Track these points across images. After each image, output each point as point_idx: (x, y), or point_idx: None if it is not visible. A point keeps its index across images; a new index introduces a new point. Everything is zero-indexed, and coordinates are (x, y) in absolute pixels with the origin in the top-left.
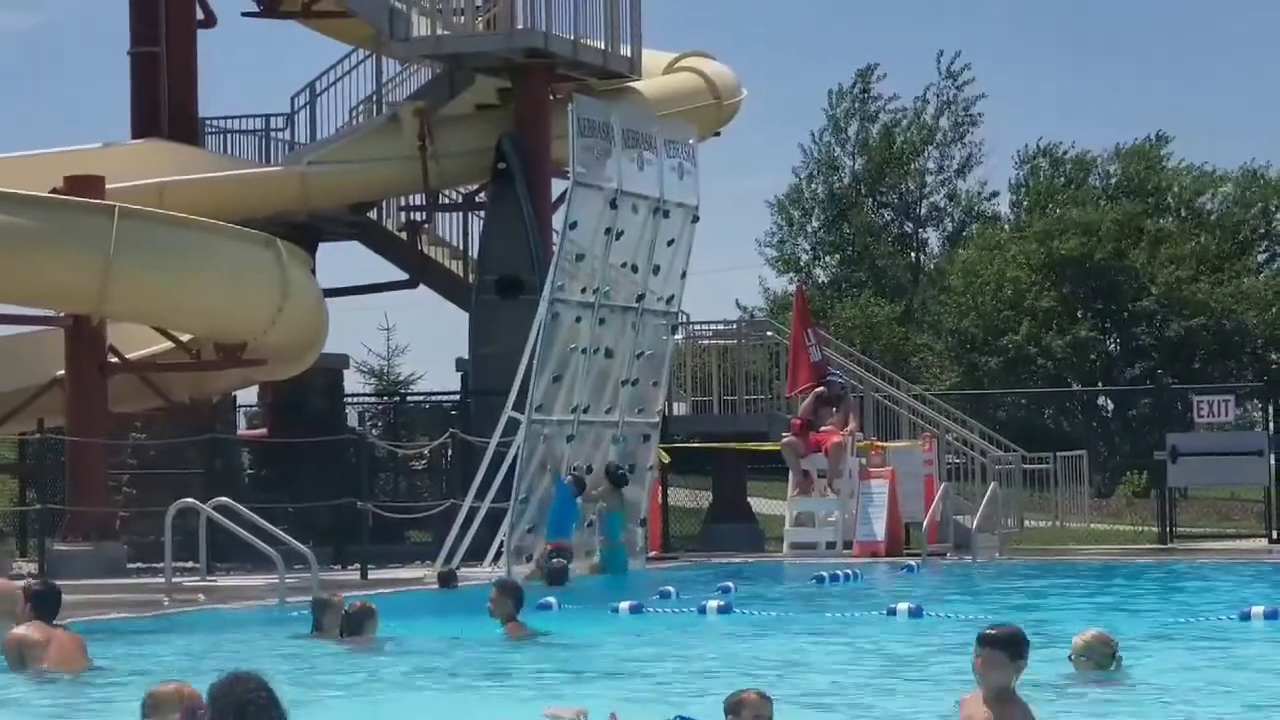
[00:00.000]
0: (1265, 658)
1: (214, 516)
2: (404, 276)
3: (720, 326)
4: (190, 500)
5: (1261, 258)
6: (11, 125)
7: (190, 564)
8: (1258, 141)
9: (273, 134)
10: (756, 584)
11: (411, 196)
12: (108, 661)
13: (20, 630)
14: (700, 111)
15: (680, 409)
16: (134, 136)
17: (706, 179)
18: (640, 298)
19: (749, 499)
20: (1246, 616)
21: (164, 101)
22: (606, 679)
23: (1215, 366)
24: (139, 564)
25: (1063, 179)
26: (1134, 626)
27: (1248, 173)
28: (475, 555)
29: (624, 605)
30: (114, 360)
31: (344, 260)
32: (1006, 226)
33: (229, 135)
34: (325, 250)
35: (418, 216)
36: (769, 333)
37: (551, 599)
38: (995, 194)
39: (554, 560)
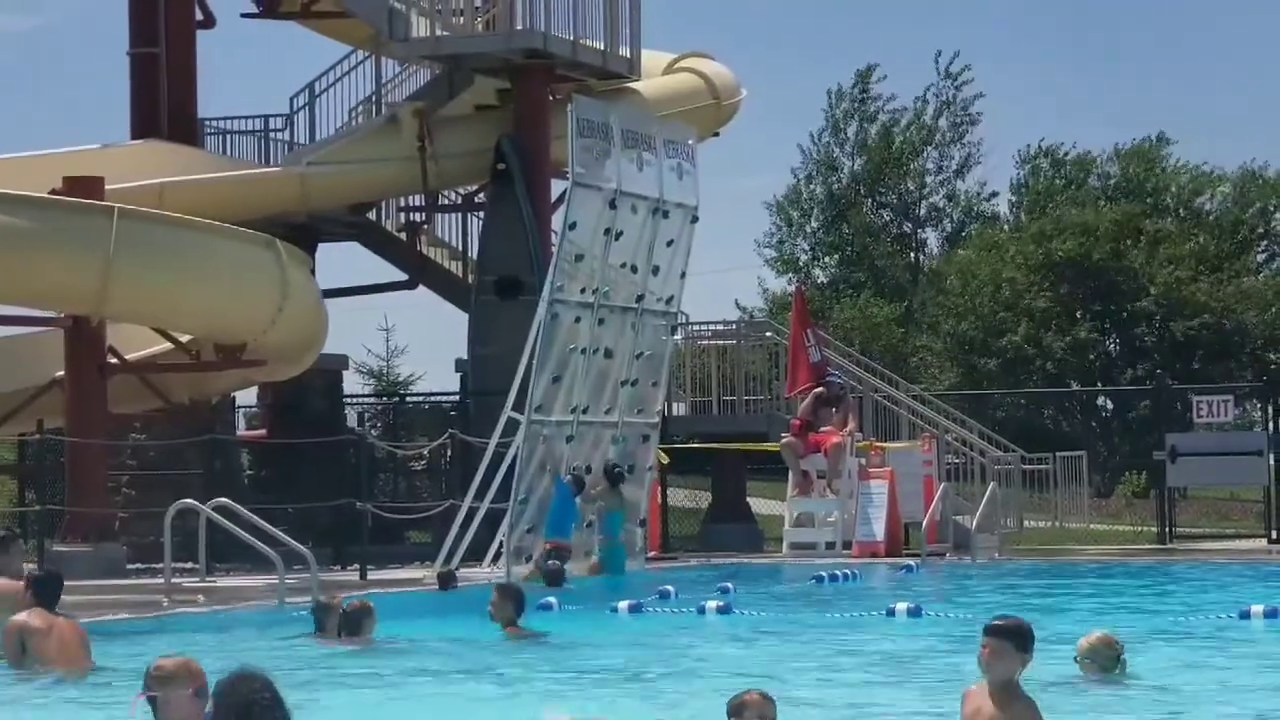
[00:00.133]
0: (1265, 657)
1: (213, 517)
2: (403, 277)
3: (719, 327)
4: (190, 501)
5: (1261, 257)
6: (11, 126)
7: (190, 565)
8: (1257, 141)
9: (272, 135)
10: (756, 584)
11: (411, 197)
12: (108, 662)
13: (21, 617)
14: (699, 112)
15: (679, 409)
16: (133, 137)
17: (705, 179)
18: (640, 298)
19: (748, 499)
20: (1246, 616)
21: (163, 102)
22: (606, 680)
23: (1215, 366)
24: (138, 565)
25: (1063, 180)
26: (1134, 626)
27: (1247, 173)
28: (475, 556)
29: (623, 605)
30: (113, 361)
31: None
32: (1006, 227)
33: (228, 136)
34: (325, 251)
35: (417, 217)
36: (768, 333)
37: (552, 599)
38: (994, 194)
39: (549, 562)
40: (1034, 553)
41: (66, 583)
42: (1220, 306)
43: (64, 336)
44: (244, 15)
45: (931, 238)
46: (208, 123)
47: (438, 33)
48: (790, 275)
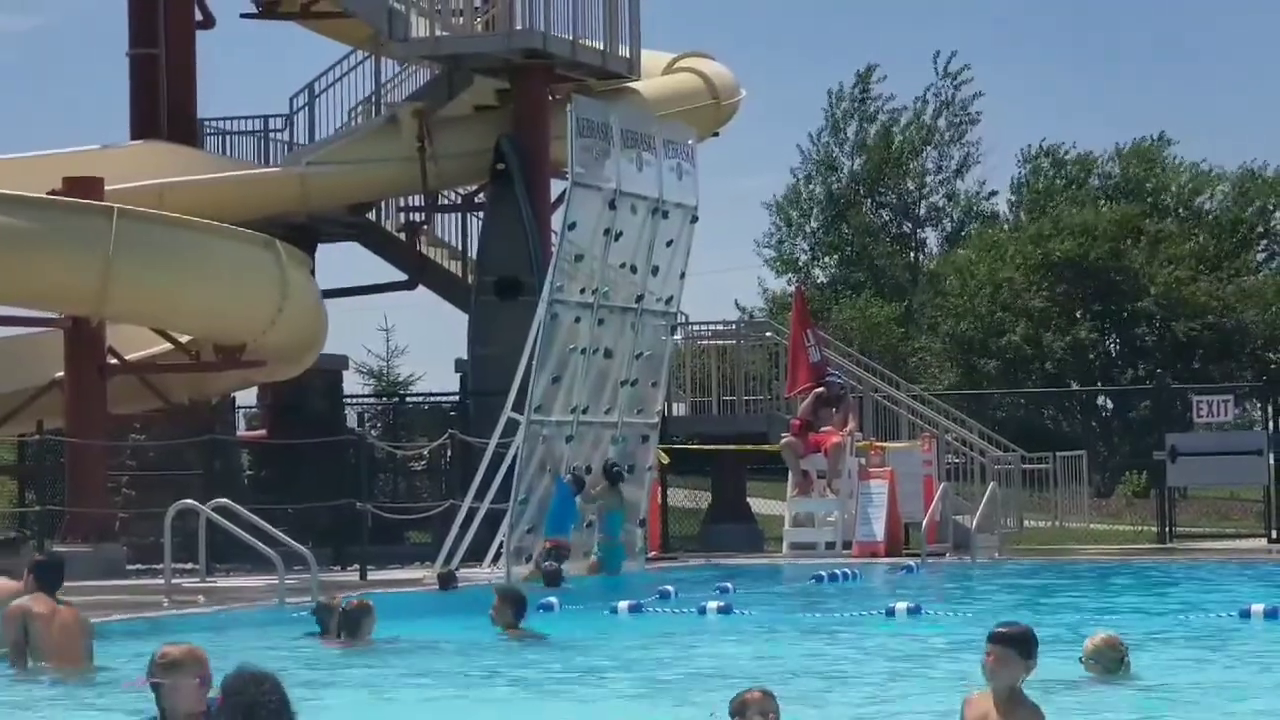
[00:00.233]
0: (1265, 656)
1: (213, 518)
2: (403, 277)
3: (719, 327)
4: (190, 501)
5: (1260, 256)
6: (11, 126)
7: (190, 565)
8: (1257, 141)
9: (272, 135)
10: (756, 584)
11: (410, 197)
12: (108, 663)
13: (24, 601)
14: (699, 112)
15: (679, 409)
16: (133, 138)
17: (705, 179)
18: (639, 298)
19: (748, 499)
20: (1246, 615)
21: (163, 102)
22: (606, 680)
23: (1215, 366)
24: (138, 565)
25: (1063, 179)
26: (1134, 626)
27: (1246, 172)
28: (475, 556)
29: (623, 606)
30: (113, 361)
31: (343, 261)
32: (1006, 226)
33: (228, 136)
34: (324, 251)
35: (417, 217)
36: (768, 333)
37: (553, 599)
38: (994, 193)
39: (546, 563)
40: (1034, 553)
41: (66, 584)
42: (1220, 306)
43: (64, 337)
44: (243, 15)
45: (931, 237)
46: (207, 123)
47: (437, 33)
48: (790, 275)
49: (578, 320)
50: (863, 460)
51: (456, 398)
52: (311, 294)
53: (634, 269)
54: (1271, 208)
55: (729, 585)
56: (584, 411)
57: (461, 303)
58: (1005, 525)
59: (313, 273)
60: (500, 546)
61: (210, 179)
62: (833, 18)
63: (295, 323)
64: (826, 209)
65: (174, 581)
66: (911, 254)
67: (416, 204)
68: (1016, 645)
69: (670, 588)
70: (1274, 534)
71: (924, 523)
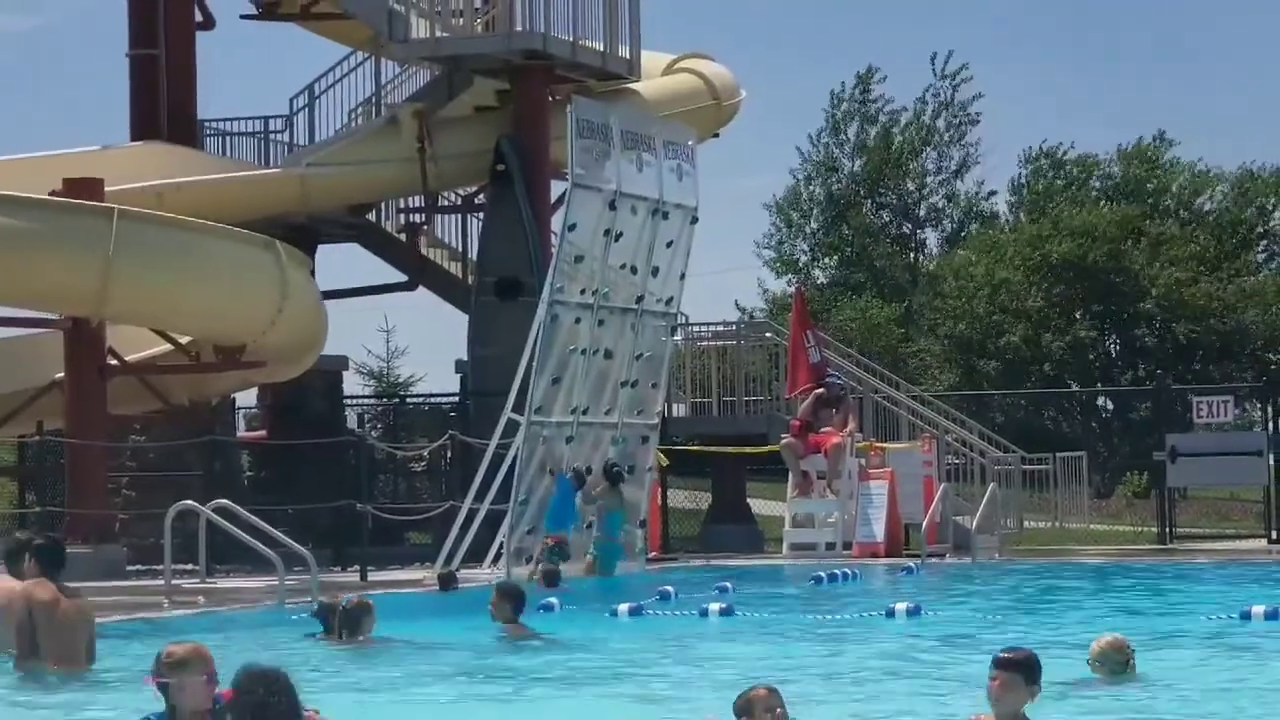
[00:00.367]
0: (1266, 657)
1: (213, 519)
2: (403, 278)
3: (719, 328)
4: (190, 502)
5: (1260, 256)
6: (11, 127)
7: (190, 566)
8: (1256, 141)
9: (272, 136)
10: (756, 585)
11: (410, 198)
12: (109, 663)
13: (28, 586)
14: (699, 113)
15: (679, 410)
16: (133, 138)
17: (705, 180)
18: (639, 299)
19: (748, 500)
20: (1247, 616)
21: (163, 103)
22: (606, 681)
23: (1215, 367)
24: (138, 566)
25: (1063, 180)
26: (1134, 627)
27: (1245, 172)
28: (475, 557)
29: (624, 608)
30: (113, 362)
31: (343, 262)
32: (1006, 226)
33: (228, 137)
34: (324, 252)
35: (417, 218)
36: (768, 334)
37: (553, 600)
38: (993, 192)
39: (542, 565)
40: (1034, 553)
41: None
42: (1221, 307)
43: (64, 338)
44: (243, 16)
45: (931, 238)
46: (207, 124)
47: (437, 34)
48: (790, 276)
49: (578, 321)
50: (863, 461)
51: (457, 399)
52: (311, 295)
53: (634, 270)
54: (1270, 207)
55: (728, 585)
56: (584, 412)
57: (462, 304)
58: (1005, 526)
59: (313, 274)
60: (500, 547)
61: (210, 180)
62: (833, 18)
63: (295, 323)
64: (826, 210)
65: (174, 582)
66: (911, 255)
67: (417, 205)
68: (1023, 671)
69: (670, 588)
70: (1274, 535)
71: (924, 523)
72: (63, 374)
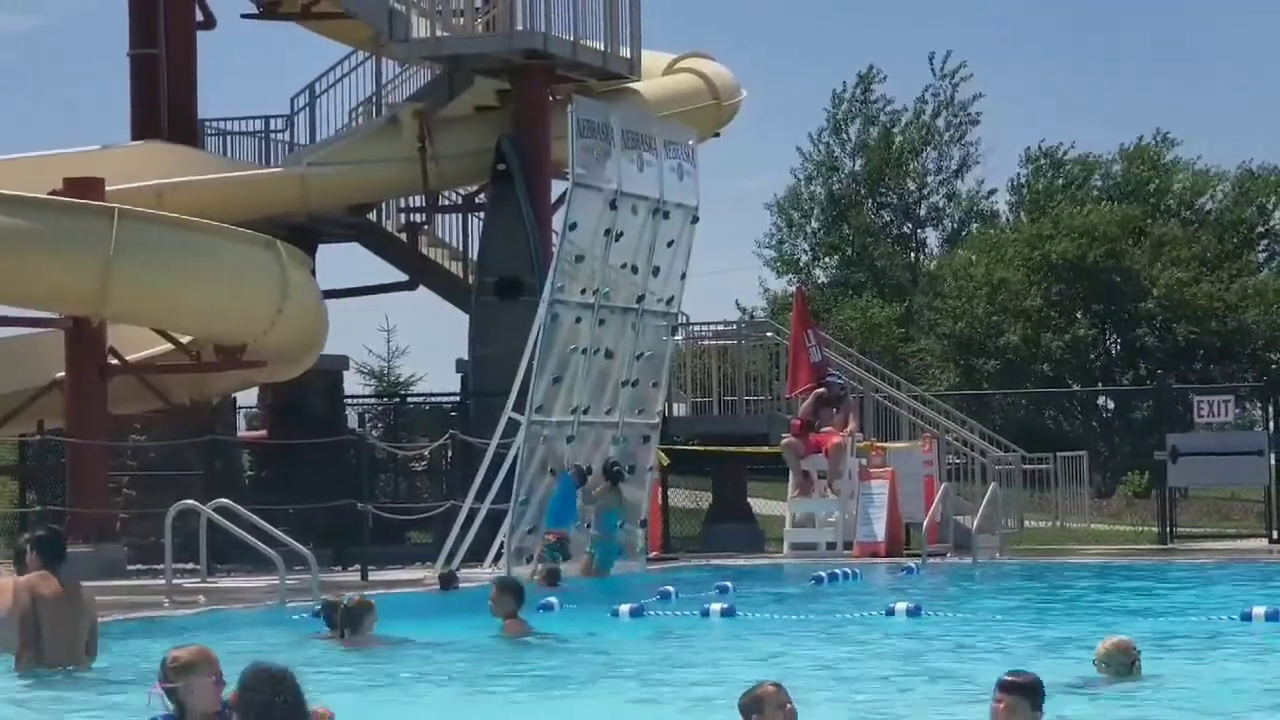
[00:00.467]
0: (1267, 658)
1: (214, 518)
2: (404, 278)
3: (720, 327)
4: (190, 502)
5: (1261, 256)
6: (11, 127)
7: (190, 565)
8: (1257, 141)
9: (272, 135)
10: (756, 584)
11: (411, 198)
12: (108, 662)
13: (32, 579)
14: (700, 112)
15: (680, 410)
16: (134, 138)
17: (706, 180)
18: (640, 299)
19: (749, 500)
20: (1248, 617)
21: (163, 103)
22: (607, 680)
23: (1216, 367)
24: (139, 565)
25: (1063, 180)
26: (1135, 627)
27: (1245, 172)
28: (476, 556)
29: (625, 607)
30: (114, 362)
31: (344, 261)
32: (1007, 225)
33: (229, 137)
34: (325, 251)
35: (417, 218)
36: (769, 333)
37: (553, 599)
38: (993, 191)
39: (544, 564)
40: (1035, 553)
41: None
42: (1222, 307)
43: (64, 337)
44: (244, 16)
45: (932, 237)
46: (208, 123)
47: (438, 33)
48: (790, 276)
49: (578, 321)
50: (863, 461)
51: (457, 398)
52: (312, 294)
53: (635, 269)
54: (1271, 207)
55: (728, 584)
56: (585, 412)
57: (462, 303)
58: (1006, 526)
59: (313, 273)
60: (501, 547)
61: (211, 179)
62: (833, 18)
63: (296, 323)
64: (828, 209)
65: (175, 582)
66: (912, 255)
67: (417, 204)
68: (1028, 695)
69: (670, 588)
70: (1275, 534)
71: (925, 523)
72: (63, 373)
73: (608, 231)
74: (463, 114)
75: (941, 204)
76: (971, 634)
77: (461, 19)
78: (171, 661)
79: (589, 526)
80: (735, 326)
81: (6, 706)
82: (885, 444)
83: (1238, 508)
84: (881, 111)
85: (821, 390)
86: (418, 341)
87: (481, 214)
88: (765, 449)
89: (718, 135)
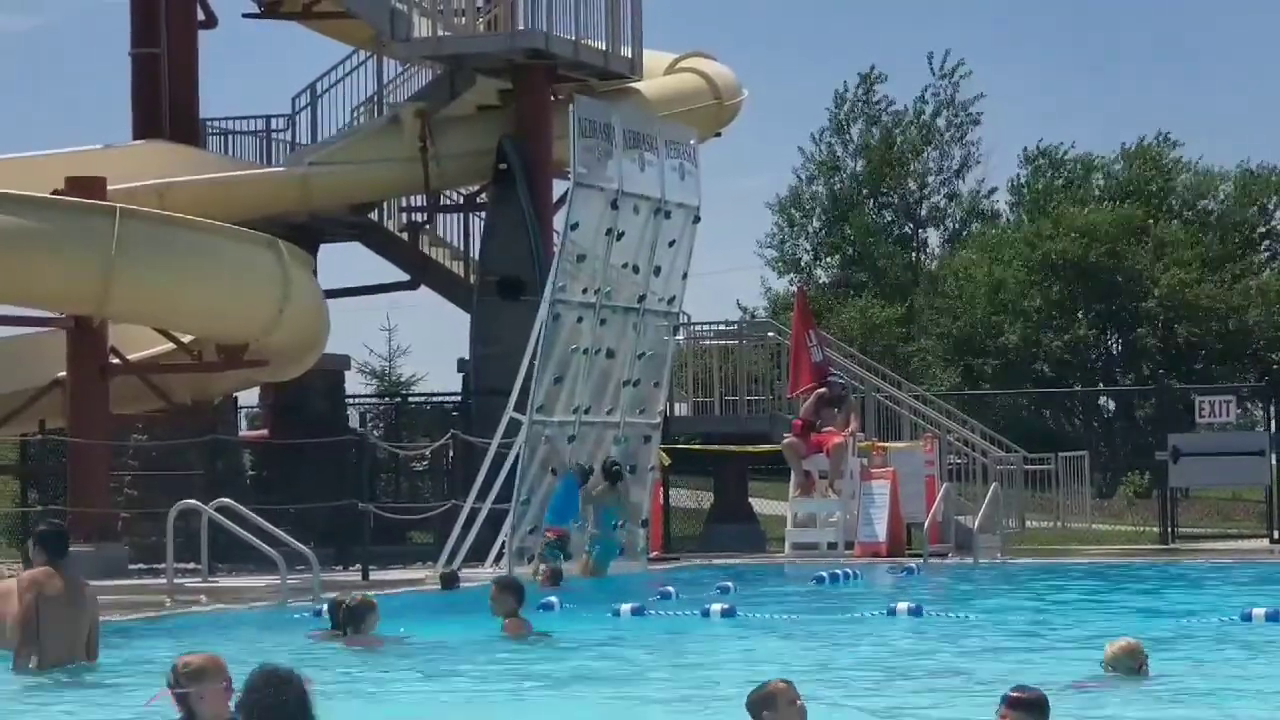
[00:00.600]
0: (1267, 658)
1: (215, 518)
2: (405, 277)
3: (721, 327)
4: (192, 501)
5: (1263, 256)
6: (12, 126)
7: (192, 565)
8: (1257, 141)
9: (274, 135)
10: (757, 584)
11: (412, 197)
12: (109, 661)
13: (36, 575)
14: (701, 112)
15: (681, 410)
16: (135, 137)
17: (707, 180)
18: (641, 298)
19: (750, 500)
20: (1248, 618)
21: (165, 102)
22: (608, 680)
23: (1217, 367)
24: (140, 565)
25: (1062, 180)
26: (1135, 627)
27: (1246, 171)
28: (477, 556)
29: (626, 607)
30: (115, 361)
31: (345, 261)
32: (1007, 225)
33: (230, 136)
34: (326, 251)
35: (419, 217)
36: (770, 333)
37: (553, 599)
38: (994, 190)
39: (548, 564)
40: (1036, 553)
41: None
42: (1224, 308)
43: (66, 337)
44: (246, 15)
45: (933, 237)
46: (209, 123)
47: (439, 33)
48: (792, 276)
49: (580, 320)
50: (865, 461)
51: (459, 398)
52: (313, 294)
53: (636, 269)
54: (1272, 207)
55: (728, 585)
56: (586, 411)
57: (464, 303)
58: (1007, 526)
59: (315, 273)
60: (502, 547)
61: (212, 179)
62: (833, 18)
63: (297, 323)
64: (829, 209)
65: (176, 581)
66: (913, 254)
67: (418, 204)
68: (1034, 711)
69: (670, 588)
70: (1276, 535)
71: (926, 523)
72: (65, 373)
73: (609, 231)
74: (464, 114)
75: (942, 204)
76: (973, 634)
77: (463, 19)
78: (183, 667)
79: (585, 527)
80: (736, 326)
81: (4, 703)
82: (886, 444)
83: (1239, 508)
84: (884, 112)
85: (823, 390)
86: (419, 341)
87: (483, 214)
88: (766, 449)
89: (719, 135)
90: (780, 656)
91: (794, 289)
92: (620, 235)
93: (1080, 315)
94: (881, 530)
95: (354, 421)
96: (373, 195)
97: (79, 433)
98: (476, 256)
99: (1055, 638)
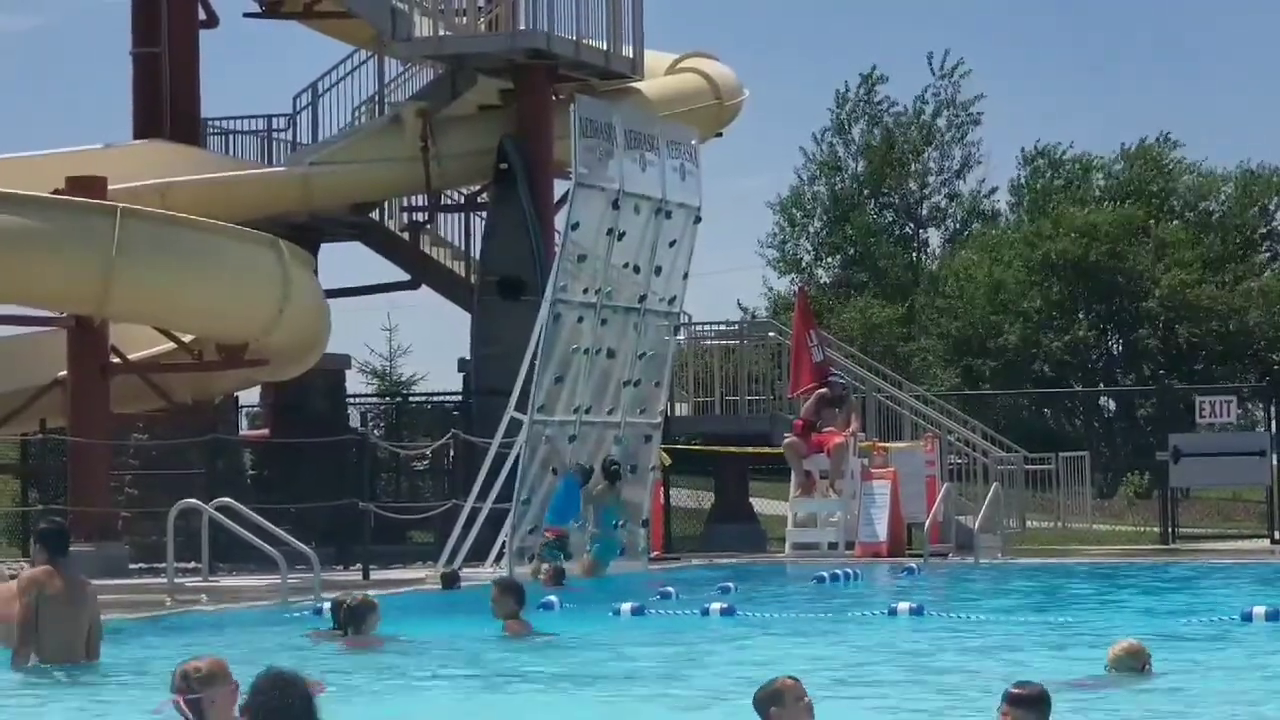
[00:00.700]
0: (1267, 659)
1: (216, 517)
2: (406, 277)
3: (722, 327)
4: (192, 501)
5: (1264, 257)
6: (13, 126)
7: (192, 564)
8: (1257, 142)
9: (275, 135)
10: (758, 584)
11: (413, 197)
12: (111, 661)
13: (37, 574)
14: (702, 112)
15: (682, 410)
16: (136, 137)
17: (707, 179)
18: (642, 298)
19: (751, 500)
20: (1249, 617)
21: (166, 102)
22: (608, 680)
23: (1218, 367)
24: (141, 565)
25: (1061, 179)
26: (1136, 627)
27: (1246, 172)
28: (477, 556)
29: (626, 607)
30: (116, 361)
31: (346, 261)
32: (1006, 226)
33: (231, 136)
34: (327, 251)
35: (420, 217)
36: (771, 333)
37: (553, 598)
38: (994, 190)
39: (551, 564)
40: (1036, 553)
41: None
42: (1225, 309)
43: (66, 336)
44: (246, 15)
45: (934, 237)
46: (210, 122)
47: (440, 33)
48: (793, 276)
49: (581, 320)
50: (865, 461)
51: (459, 397)
52: (314, 293)
53: (637, 269)
54: (1274, 208)
55: (730, 585)
56: (587, 411)
57: (464, 302)
58: (1008, 526)
59: (315, 272)
60: (503, 546)
61: (213, 178)
62: (834, 18)
63: (298, 322)
64: (830, 209)
65: (177, 581)
66: (914, 255)
67: (419, 204)
68: (1035, 707)
69: (670, 588)
70: (1277, 535)
71: (927, 523)
72: (65, 372)
73: (610, 231)
74: (465, 113)
75: (943, 204)
76: (973, 635)
77: (464, 18)
78: (194, 672)
79: (590, 525)
80: (737, 326)
81: (4, 703)
82: (887, 444)
83: (1239, 508)
84: (886, 113)
85: (824, 390)
86: (420, 341)
87: (484, 213)
88: (767, 449)
89: (720, 135)
90: (780, 656)
91: (795, 289)
92: (621, 235)
93: (1081, 316)
94: (882, 530)
95: (355, 421)
96: (374, 195)
97: (79, 432)
98: (477, 256)
99: (1055, 638)
